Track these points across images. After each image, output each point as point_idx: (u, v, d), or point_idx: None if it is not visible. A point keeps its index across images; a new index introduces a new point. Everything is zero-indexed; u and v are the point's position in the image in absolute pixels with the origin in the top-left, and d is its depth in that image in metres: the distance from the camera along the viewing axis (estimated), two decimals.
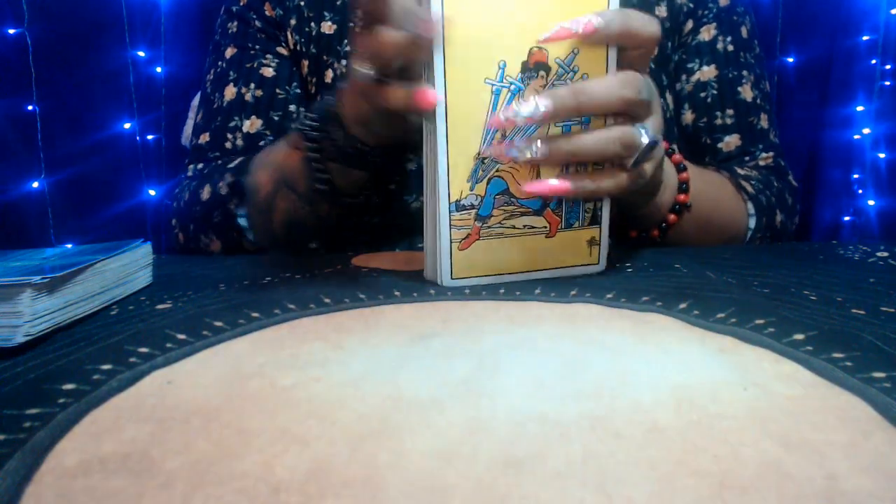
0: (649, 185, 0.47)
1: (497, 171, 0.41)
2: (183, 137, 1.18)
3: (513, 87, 0.40)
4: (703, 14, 0.69)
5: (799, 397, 0.25)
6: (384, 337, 0.32)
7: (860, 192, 1.18)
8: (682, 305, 0.37)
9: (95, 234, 1.20)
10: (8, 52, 1.19)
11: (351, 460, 0.20)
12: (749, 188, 0.64)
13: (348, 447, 0.21)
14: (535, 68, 0.40)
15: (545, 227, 0.43)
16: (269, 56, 0.69)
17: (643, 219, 0.56)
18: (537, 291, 0.40)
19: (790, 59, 1.15)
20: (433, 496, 0.18)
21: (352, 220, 0.64)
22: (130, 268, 0.43)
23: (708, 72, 0.68)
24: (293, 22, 0.68)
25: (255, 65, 0.68)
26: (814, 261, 0.50)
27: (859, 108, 1.15)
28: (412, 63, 0.40)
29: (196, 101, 0.99)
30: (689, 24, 0.69)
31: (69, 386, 0.27)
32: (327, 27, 0.67)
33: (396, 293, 0.40)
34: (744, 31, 0.70)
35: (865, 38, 1.14)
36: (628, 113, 0.41)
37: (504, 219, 0.42)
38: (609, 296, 0.39)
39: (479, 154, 0.40)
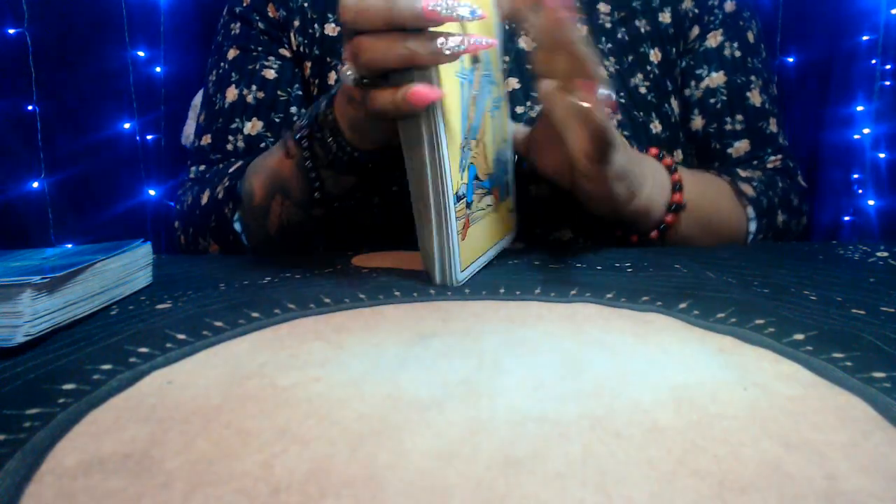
0: (614, 168, 0.47)
1: (472, 157, 0.44)
2: (183, 137, 1.18)
3: (467, 79, 0.44)
4: (709, 20, 0.69)
5: (799, 397, 0.25)
6: (384, 337, 0.32)
7: (860, 192, 1.18)
8: (682, 305, 0.37)
9: (95, 234, 1.20)
10: (8, 52, 1.19)
11: (351, 460, 0.20)
12: (749, 191, 0.64)
13: (348, 447, 0.21)
14: (473, 60, 0.45)
15: (492, 203, 0.48)
16: (271, 58, 0.69)
17: (639, 221, 0.56)
18: (537, 291, 0.40)
19: (790, 59, 1.15)
20: (433, 496, 0.18)
21: (350, 222, 0.64)
22: (130, 268, 0.43)
23: (717, 78, 0.68)
24: (296, 23, 0.68)
25: (257, 66, 0.68)
26: (814, 261, 0.50)
27: (859, 108, 1.15)
28: (399, 66, 0.40)
29: (196, 100, 0.99)
30: (696, 31, 0.69)
31: (69, 386, 0.27)
32: (331, 29, 0.66)
33: (396, 293, 0.40)
34: (750, 36, 0.70)
35: (865, 38, 1.14)
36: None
37: (477, 202, 0.45)
38: (609, 296, 0.39)
39: (464, 143, 0.43)
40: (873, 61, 1.13)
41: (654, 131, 0.65)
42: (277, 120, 0.68)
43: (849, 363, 0.28)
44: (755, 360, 0.28)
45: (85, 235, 1.20)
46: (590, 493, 0.18)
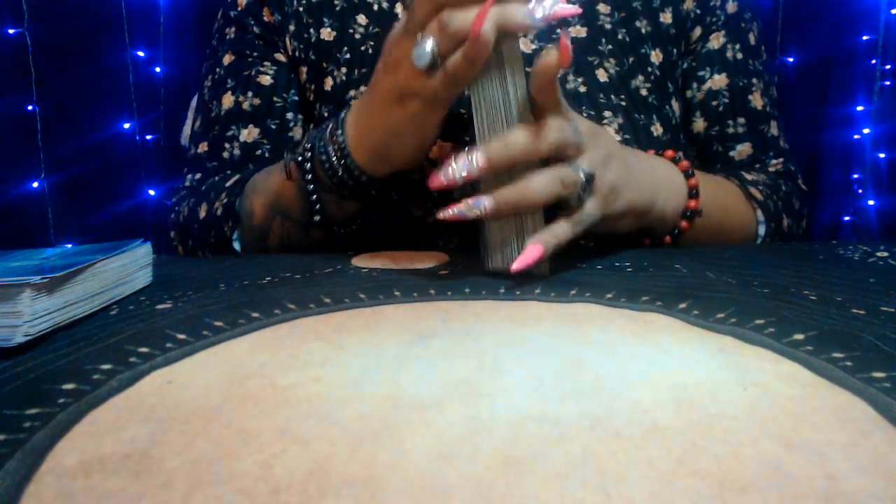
0: (613, 215, 0.48)
1: None
2: (182, 137, 1.18)
3: None
4: (711, 21, 0.68)
5: (799, 397, 0.25)
6: (384, 337, 0.32)
7: (860, 192, 1.18)
8: (682, 305, 0.37)
9: (95, 234, 1.20)
10: (8, 52, 1.19)
11: (351, 460, 0.20)
12: (758, 195, 0.64)
13: (348, 447, 0.21)
14: None
15: None
16: (266, 63, 0.68)
17: (653, 230, 0.56)
18: (537, 291, 0.40)
19: (790, 59, 1.15)
20: (433, 496, 0.18)
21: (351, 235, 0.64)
22: (130, 268, 0.43)
23: (719, 80, 0.68)
24: (292, 28, 0.67)
25: (253, 72, 0.68)
26: (814, 261, 0.50)
27: (859, 108, 1.15)
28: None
29: (195, 101, 0.99)
30: (698, 31, 0.68)
31: (69, 386, 0.27)
32: (326, 34, 0.66)
33: (396, 293, 0.40)
34: (751, 38, 0.70)
35: (865, 38, 1.14)
36: (560, 157, 0.43)
37: None
38: (609, 296, 0.39)
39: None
40: (873, 61, 1.13)
41: (655, 134, 0.64)
42: (273, 126, 0.67)
43: (849, 363, 0.28)
44: (755, 360, 0.28)
45: (85, 235, 1.20)
46: (590, 493, 0.18)
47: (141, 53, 1.25)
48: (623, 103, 0.64)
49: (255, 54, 0.68)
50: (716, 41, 0.68)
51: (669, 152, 0.57)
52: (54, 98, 1.21)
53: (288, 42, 0.67)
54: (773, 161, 0.69)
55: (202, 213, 0.63)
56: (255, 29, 0.68)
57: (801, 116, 1.15)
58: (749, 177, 0.66)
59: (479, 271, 0.46)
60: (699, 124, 0.69)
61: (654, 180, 0.52)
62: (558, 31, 0.42)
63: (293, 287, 0.43)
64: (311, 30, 0.66)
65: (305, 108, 0.68)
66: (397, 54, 0.44)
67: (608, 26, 0.66)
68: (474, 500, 0.18)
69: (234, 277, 0.46)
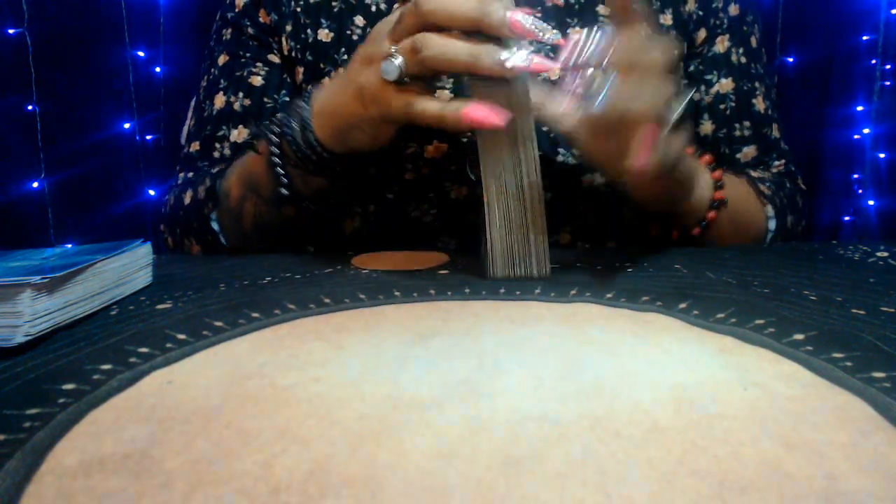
0: (683, 174, 0.48)
1: None
2: (182, 137, 1.18)
3: None
4: (715, 23, 0.68)
5: (799, 397, 0.25)
6: (384, 337, 0.32)
7: (860, 192, 1.18)
8: (682, 305, 0.37)
9: (95, 234, 1.20)
10: (8, 52, 1.19)
11: (351, 460, 0.20)
12: (766, 191, 0.65)
13: (348, 447, 0.21)
14: None
15: None
16: (259, 64, 0.68)
17: (685, 217, 0.57)
18: (537, 291, 0.40)
19: (790, 59, 1.15)
20: (433, 496, 0.18)
21: (344, 229, 0.64)
22: (130, 268, 0.43)
23: (726, 84, 0.68)
24: (289, 28, 0.67)
25: (245, 73, 0.68)
26: (814, 261, 0.50)
27: (859, 108, 1.15)
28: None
29: (195, 101, 0.99)
30: (703, 34, 0.68)
31: (69, 386, 0.27)
32: (324, 34, 0.66)
33: (396, 293, 0.40)
34: (753, 41, 0.70)
35: (865, 38, 1.14)
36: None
37: None
38: (609, 296, 0.39)
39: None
40: (873, 61, 1.13)
41: None
42: None
43: (849, 363, 0.28)
44: (755, 360, 0.28)
45: (85, 235, 1.20)
46: (590, 493, 0.18)
47: (141, 53, 1.25)
48: None
49: (248, 55, 0.68)
50: (721, 45, 0.68)
51: (689, 149, 0.57)
52: (54, 98, 1.21)
53: (284, 42, 0.67)
54: (776, 162, 0.70)
55: (187, 200, 0.64)
56: (251, 30, 0.68)
57: (801, 116, 1.15)
58: (755, 174, 0.67)
59: (479, 271, 0.46)
60: (707, 127, 0.69)
61: (696, 162, 0.54)
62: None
63: (293, 287, 0.43)
64: (309, 30, 0.66)
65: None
66: (373, 51, 0.45)
67: (607, 27, 0.66)
68: (474, 500, 0.18)
69: (234, 277, 0.46)
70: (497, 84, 0.41)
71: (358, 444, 0.21)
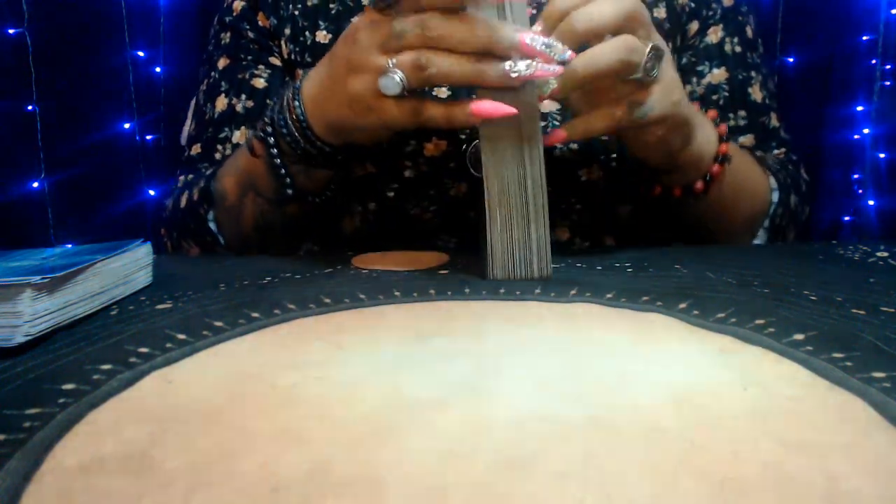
0: (671, 119, 0.48)
1: None
2: (182, 138, 1.18)
3: None
4: (708, 15, 0.68)
5: (799, 397, 0.25)
6: (384, 337, 0.32)
7: (860, 192, 1.18)
8: (682, 305, 0.37)
9: (95, 234, 1.20)
10: (8, 52, 1.19)
11: (351, 460, 0.20)
12: (770, 165, 0.64)
13: (348, 447, 0.21)
14: None
15: None
16: (261, 66, 0.68)
17: (687, 170, 0.55)
18: (537, 291, 0.40)
19: (790, 59, 1.15)
20: (433, 496, 0.18)
21: (344, 228, 0.64)
22: (130, 268, 0.43)
23: (718, 74, 0.68)
24: (287, 31, 0.67)
25: (247, 76, 0.68)
26: (814, 261, 0.50)
27: (859, 108, 1.15)
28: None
29: (194, 106, 0.99)
30: (695, 26, 0.68)
31: (69, 386, 0.27)
32: (322, 36, 0.65)
33: (396, 293, 0.40)
34: (749, 31, 0.70)
35: (865, 38, 1.14)
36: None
37: None
38: (609, 296, 0.39)
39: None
40: (873, 61, 1.13)
41: None
42: None
43: (849, 363, 0.28)
44: (755, 360, 0.28)
45: (85, 235, 1.19)
46: (590, 493, 0.18)
47: (141, 53, 1.25)
48: None
49: (249, 58, 0.68)
50: (714, 35, 0.68)
51: (696, 103, 0.57)
52: (54, 98, 1.21)
53: (283, 45, 0.67)
54: (776, 151, 0.69)
55: (183, 202, 0.64)
56: (250, 34, 0.68)
57: (801, 116, 1.15)
58: (757, 153, 0.66)
59: (479, 271, 0.46)
60: None
61: (694, 110, 0.53)
62: None
63: (293, 287, 0.43)
64: (307, 33, 0.66)
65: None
66: (360, 61, 0.43)
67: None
68: (474, 500, 0.18)
69: (234, 277, 0.46)
70: (503, 90, 0.41)
71: (358, 444, 0.21)
